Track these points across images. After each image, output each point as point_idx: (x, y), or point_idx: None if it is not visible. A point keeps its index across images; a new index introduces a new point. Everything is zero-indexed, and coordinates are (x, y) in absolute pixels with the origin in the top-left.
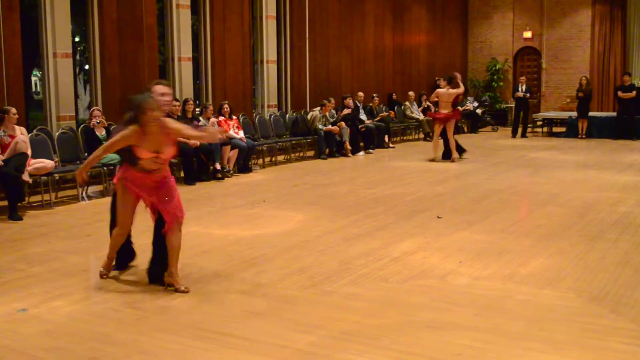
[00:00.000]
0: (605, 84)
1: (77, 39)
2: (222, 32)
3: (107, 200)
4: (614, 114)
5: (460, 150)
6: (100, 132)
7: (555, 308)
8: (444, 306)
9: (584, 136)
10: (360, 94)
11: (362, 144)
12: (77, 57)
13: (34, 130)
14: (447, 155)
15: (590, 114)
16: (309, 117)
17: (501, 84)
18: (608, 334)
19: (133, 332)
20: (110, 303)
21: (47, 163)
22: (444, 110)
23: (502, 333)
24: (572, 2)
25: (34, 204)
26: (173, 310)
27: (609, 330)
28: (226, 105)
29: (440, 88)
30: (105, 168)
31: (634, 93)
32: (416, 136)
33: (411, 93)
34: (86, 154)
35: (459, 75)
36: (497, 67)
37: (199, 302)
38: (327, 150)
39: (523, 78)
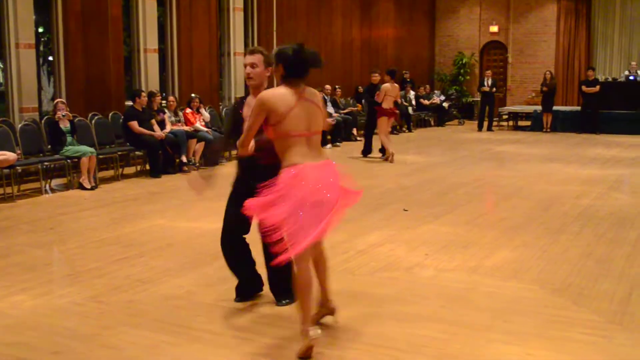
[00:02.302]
0: (569, 78)
1: (40, 30)
2: (188, 24)
3: (71, 193)
4: (578, 108)
5: (368, 151)
6: (65, 125)
7: (519, 300)
8: (409, 298)
9: (548, 130)
10: (327, 86)
11: (329, 137)
12: (41, 47)
13: None
14: (368, 152)
15: (555, 108)
16: None
17: (468, 77)
18: (570, 325)
19: (97, 327)
20: (73, 297)
21: (9, 155)
22: (388, 106)
23: (467, 325)
24: None
25: None
26: (138, 304)
27: (571, 321)
28: (197, 100)
29: (385, 83)
30: (69, 161)
31: (597, 88)
32: None
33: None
34: (49, 146)
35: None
36: (464, 61)
37: (165, 296)
38: None
39: (489, 72)
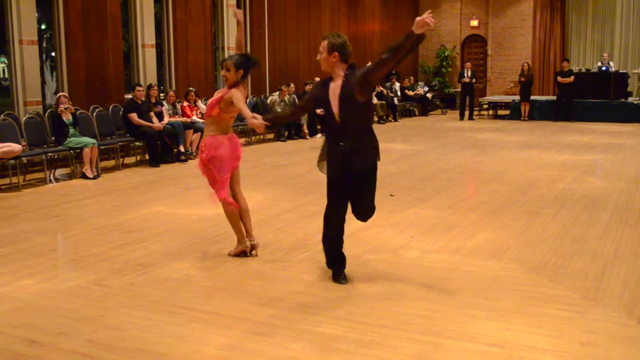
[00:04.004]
0: (545, 69)
1: (43, 27)
2: (184, 20)
3: (74, 182)
4: (554, 97)
5: None
6: (67, 118)
7: (498, 278)
8: (396, 278)
9: (526, 118)
10: (317, 79)
11: (319, 127)
12: (44, 44)
13: (1, 115)
14: None
15: (532, 97)
16: (268, 101)
17: (450, 69)
18: (547, 301)
19: (100, 308)
20: (77, 281)
21: (15, 147)
22: None
23: (450, 302)
24: None
25: (3, 187)
26: (139, 286)
27: (547, 297)
28: (193, 93)
29: None
30: (72, 152)
31: (572, 78)
32: None
33: None
34: (53, 138)
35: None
36: (446, 54)
37: (164, 279)
38: (286, 133)
39: (468, 64)
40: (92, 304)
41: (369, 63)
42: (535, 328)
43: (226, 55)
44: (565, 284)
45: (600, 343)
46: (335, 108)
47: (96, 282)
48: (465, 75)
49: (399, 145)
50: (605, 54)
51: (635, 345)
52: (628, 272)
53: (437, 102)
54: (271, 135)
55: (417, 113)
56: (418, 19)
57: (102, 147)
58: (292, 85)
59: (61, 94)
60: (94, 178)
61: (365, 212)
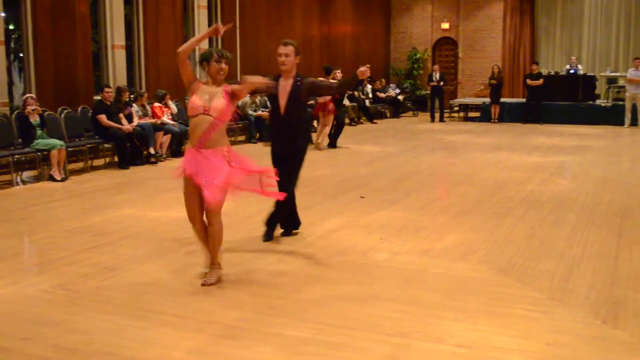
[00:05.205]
0: (515, 72)
1: (11, 26)
2: (154, 21)
3: (42, 185)
4: (524, 100)
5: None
6: (34, 119)
7: (467, 279)
8: (365, 280)
9: (496, 120)
10: None
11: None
12: (12, 44)
13: None
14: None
15: (502, 100)
16: (240, 103)
17: (421, 72)
18: (515, 302)
19: (65, 313)
20: (42, 285)
21: None
22: (322, 101)
23: (419, 304)
24: None
25: None
26: (106, 290)
27: (515, 298)
28: (165, 95)
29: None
30: (39, 154)
31: (541, 81)
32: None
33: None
34: (20, 140)
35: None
36: (418, 57)
37: (132, 282)
38: (258, 135)
39: (436, 67)
40: (57, 308)
41: (320, 78)
42: (502, 329)
43: (197, 57)
44: (532, 284)
45: (566, 343)
46: (282, 102)
47: (61, 286)
48: (434, 78)
49: (370, 147)
50: (573, 57)
51: (600, 345)
52: (594, 273)
53: (408, 105)
54: (242, 137)
55: (388, 115)
56: (360, 69)
57: (71, 149)
58: None
59: (28, 95)
60: (62, 180)
61: (287, 186)
